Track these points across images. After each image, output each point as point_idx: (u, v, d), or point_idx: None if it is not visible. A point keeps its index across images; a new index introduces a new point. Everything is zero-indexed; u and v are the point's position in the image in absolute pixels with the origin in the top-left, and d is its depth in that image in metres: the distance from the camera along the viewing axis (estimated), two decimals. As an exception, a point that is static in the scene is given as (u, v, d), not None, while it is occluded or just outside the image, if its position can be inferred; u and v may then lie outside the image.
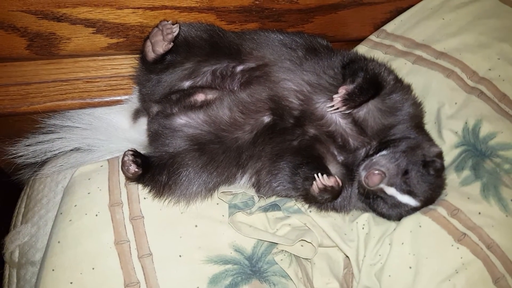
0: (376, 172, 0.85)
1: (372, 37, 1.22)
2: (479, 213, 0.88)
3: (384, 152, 0.90)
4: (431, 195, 0.91)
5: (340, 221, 0.96)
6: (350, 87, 0.89)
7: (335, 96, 0.89)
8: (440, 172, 0.92)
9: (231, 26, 1.09)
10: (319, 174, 0.87)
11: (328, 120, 0.96)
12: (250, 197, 0.98)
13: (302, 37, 1.04)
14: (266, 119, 0.97)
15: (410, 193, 0.88)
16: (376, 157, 0.89)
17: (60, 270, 0.87)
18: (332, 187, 0.88)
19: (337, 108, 0.89)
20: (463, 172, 0.95)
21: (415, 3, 1.20)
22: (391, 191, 0.88)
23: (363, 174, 0.88)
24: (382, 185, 0.87)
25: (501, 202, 0.89)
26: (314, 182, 0.88)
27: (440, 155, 0.95)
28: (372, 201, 0.92)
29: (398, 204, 0.89)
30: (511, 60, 1.07)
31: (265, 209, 0.97)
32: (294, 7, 1.10)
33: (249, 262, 0.91)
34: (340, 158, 0.97)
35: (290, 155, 0.96)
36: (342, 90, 0.88)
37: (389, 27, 1.21)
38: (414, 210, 0.91)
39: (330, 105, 0.89)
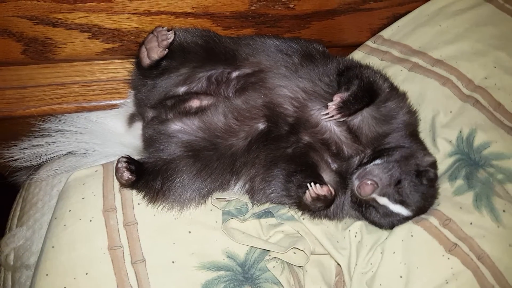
0: (369, 182, 0.86)
1: (369, 42, 1.22)
2: (471, 223, 0.89)
3: (377, 162, 0.90)
4: (423, 205, 0.91)
5: (333, 228, 0.97)
6: (344, 95, 0.89)
7: (329, 104, 0.89)
8: (433, 182, 0.92)
9: (227, 32, 1.09)
10: (312, 183, 0.88)
11: (323, 127, 0.96)
12: (244, 204, 0.98)
13: (298, 43, 1.04)
14: (261, 126, 0.97)
15: (402, 202, 0.89)
16: (370, 167, 0.90)
17: (54, 275, 0.87)
18: (325, 196, 0.88)
19: (332, 116, 0.89)
20: (456, 181, 0.95)
21: (412, 9, 1.20)
22: (383, 201, 0.88)
23: (356, 183, 0.88)
24: (374, 195, 0.88)
25: (493, 213, 0.90)
26: (307, 191, 0.88)
27: (433, 164, 0.95)
28: (365, 209, 0.92)
29: (390, 213, 0.90)
30: (507, 68, 1.07)
31: (259, 216, 0.98)
32: (290, 12, 1.09)
33: (241, 268, 0.92)
34: (334, 166, 0.98)
35: (284, 162, 0.96)
36: (336, 98, 0.89)
37: (386, 33, 1.21)
38: (406, 219, 0.91)
39: (325, 113, 0.90)
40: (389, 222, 0.92)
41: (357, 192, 0.88)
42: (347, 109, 0.89)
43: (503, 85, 1.05)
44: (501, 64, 1.08)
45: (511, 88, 1.05)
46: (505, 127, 1.01)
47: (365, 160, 0.95)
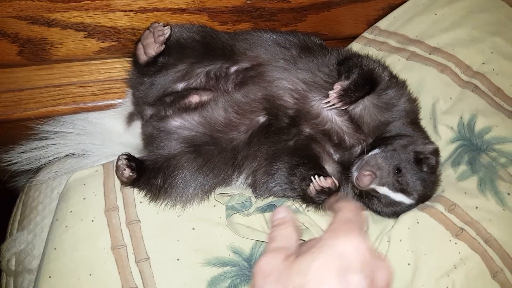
0: (367, 173, 0.85)
1: (366, 34, 1.22)
2: (476, 207, 0.88)
3: (375, 151, 0.90)
4: (425, 192, 0.90)
5: (338, 219, 0.96)
6: (345, 83, 0.88)
7: (330, 92, 0.88)
8: (434, 168, 0.92)
9: (223, 27, 1.09)
10: (316, 176, 0.87)
11: (324, 118, 0.95)
12: (247, 198, 0.97)
13: (295, 36, 1.04)
14: (261, 119, 0.96)
15: (403, 191, 0.88)
16: (367, 157, 0.89)
17: (57, 277, 0.86)
18: (329, 188, 0.87)
19: (333, 104, 0.88)
20: (459, 167, 0.95)
21: (407, -1, 1.20)
22: (383, 190, 0.87)
23: (354, 175, 0.88)
24: (373, 185, 0.87)
25: (498, 196, 0.89)
26: (311, 184, 0.87)
27: (435, 152, 0.94)
28: (367, 200, 0.91)
29: (392, 203, 0.89)
30: (504, 53, 1.08)
31: (263, 210, 0.97)
32: (286, 6, 1.09)
33: (247, 263, 0.91)
34: (336, 156, 0.97)
35: (286, 155, 0.95)
36: (337, 86, 0.88)
37: (382, 23, 1.21)
38: (409, 207, 0.91)
39: (326, 101, 0.89)
40: (393, 211, 0.91)
41: (356, 184, 0.87)
42: (348, 97, 0.88)
43: (501, 70, 1.06)
44: (498, 49, 1.08)
45: (509, 73, 1.06)
46: (505, 111, 1.01)
47: (366, 149, 0.94)
